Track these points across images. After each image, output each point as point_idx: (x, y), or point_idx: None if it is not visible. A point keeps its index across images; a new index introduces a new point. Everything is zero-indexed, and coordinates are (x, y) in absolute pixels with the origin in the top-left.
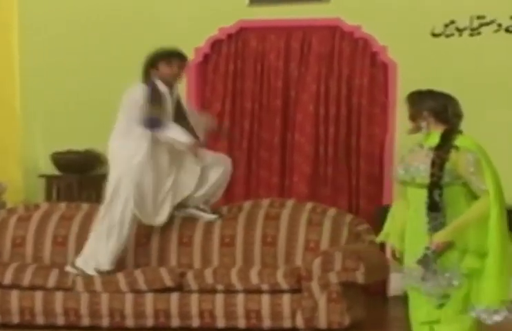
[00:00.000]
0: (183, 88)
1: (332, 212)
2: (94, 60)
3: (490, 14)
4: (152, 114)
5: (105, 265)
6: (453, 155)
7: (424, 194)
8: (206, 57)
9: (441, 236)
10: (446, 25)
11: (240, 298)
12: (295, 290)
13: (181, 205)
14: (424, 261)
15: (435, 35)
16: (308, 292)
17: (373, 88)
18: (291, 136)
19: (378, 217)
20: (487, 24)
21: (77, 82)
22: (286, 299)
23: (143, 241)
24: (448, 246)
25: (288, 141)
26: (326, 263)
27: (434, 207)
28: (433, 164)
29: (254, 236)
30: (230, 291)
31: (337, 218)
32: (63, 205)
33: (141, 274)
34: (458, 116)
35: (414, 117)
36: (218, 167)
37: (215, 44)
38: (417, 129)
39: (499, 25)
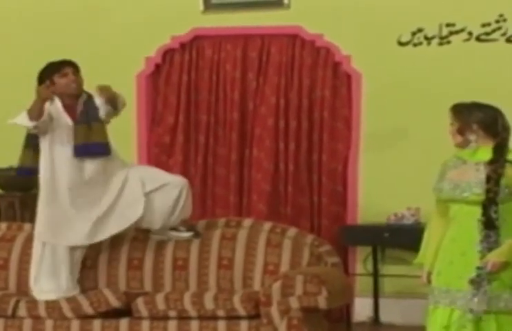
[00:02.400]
0: (133, 101)
1: (292, 232)
2: (37, 69)
3: (460, 21)
4: (24, 163)
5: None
6: (508, 170)
7: (475, 211)
8: (158, 67)
9: (497, 255)
10: (414, 33)
11: (194, 325)
12: (253, 316)
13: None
14: (478, 281)
15: (401, 44)
16: (267, 318)
17: (336, 101)
18: (249, 152)
19: (341, 238)
20: (457, 32)
21: (21, 93)
22: (243, 326)
23: (89, 263)
24: (503, 266)
25: (246, 157)
26: (286, 287)
27: (490, 224)
28: (489, 179)
29: (209, 259)
30: (183, 317)
31: (298, 239)
32: (3, 226)
33: (84, 299)
34: (507, 129)
35: (462, 130)
36: (170, 191)
37: (167, 53)
38: (466, 143)
39: (470, 33)
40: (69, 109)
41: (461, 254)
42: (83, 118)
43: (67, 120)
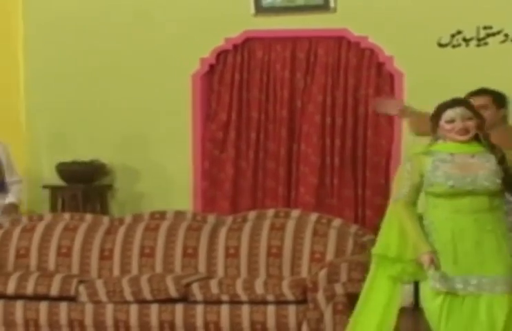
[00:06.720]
0: (189, 99)
1: (337, 222)
2: (99, 70)
3: (497, 24)
4: None
5: None
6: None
7: (485, 200)
8: (212, 67)
9: None
10: (453, 36)
11: (245, 309)
12: (301, 301)
13: None
14: None
15: (441, 45)
16: (313, 303)
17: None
18: (297, 147)
19: None
20: (494, 34)
21: (82, 92)
22: (291, 310)
23: (147, 251)
24: None
25: (294, 152)
26: (332, 274)
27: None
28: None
29: (259, 247)
30: (235, 302)
31: (342, 229)
32: (67, 216)
33: (147, 284)
34: None
35: (481, 127)
36: None
37: (221, 54)
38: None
39: (506, 35)
40: None
41: (478, 243)
42: None
43: None
